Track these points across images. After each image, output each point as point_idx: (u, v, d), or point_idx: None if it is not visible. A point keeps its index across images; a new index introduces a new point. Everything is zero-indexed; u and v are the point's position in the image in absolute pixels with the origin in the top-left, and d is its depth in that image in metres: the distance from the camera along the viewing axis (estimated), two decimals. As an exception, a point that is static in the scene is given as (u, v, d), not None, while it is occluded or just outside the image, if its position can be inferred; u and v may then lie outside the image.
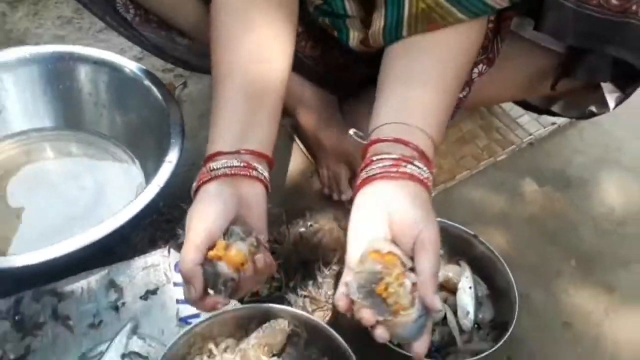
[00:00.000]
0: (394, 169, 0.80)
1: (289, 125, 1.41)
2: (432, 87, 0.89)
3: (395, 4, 0.92)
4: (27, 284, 1.04)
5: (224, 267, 0.79)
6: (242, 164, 0.85)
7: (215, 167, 0.84)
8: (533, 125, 1.50)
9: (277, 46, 0.97)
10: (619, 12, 0.95)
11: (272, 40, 0.97)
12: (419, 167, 0.81)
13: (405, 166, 0.81)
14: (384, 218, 0.79)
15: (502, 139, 1.47)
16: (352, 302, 0.76)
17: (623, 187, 1.41)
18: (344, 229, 1.25)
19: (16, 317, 1.02)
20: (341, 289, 0.78)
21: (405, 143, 0.83)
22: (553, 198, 1.38)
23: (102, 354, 0.99)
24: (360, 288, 0.74)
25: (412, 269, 0.75)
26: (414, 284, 0.73)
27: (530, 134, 1.48)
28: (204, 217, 0.81)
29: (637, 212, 1.37)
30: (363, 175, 0.83)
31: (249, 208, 0.85)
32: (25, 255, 0.99)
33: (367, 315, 0.74)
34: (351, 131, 0.98)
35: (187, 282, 0.80)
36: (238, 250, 0.80)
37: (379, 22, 0.96)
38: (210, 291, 0.81)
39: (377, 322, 0.75)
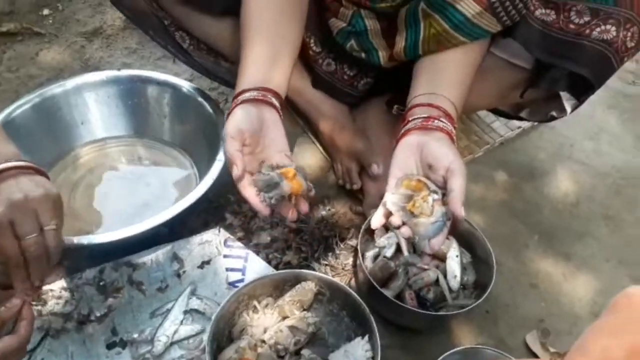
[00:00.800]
0: (425, 123, 0.87)
1: (310, 131, 1.39)
2: (451, 75, 0.97)
3: (412, 30, 0.99)
4: (108, 258, 1.03)
5: (285, 184, 0.81)
6: (261, 95, 0.88)
7: (241, 99, 0.88)
8: (503, 129, 1.48)
9: (293, 23, 1.01)
10: (576, 35, 0.95)
11: (289, 17, 1.00)
12: (445, 123, 0.87)
13: (434, 121, 0.87)
14: (416, 158, 0.86)
15: (479, 140, 1.45)
16: (388, 214, 0.83)
17: (575, 176, 1.39)
18: (356, 213, 1.25)
19: (100, 283, 1.00)
20: (380, 210, 0.85)
21: (434, 106, 0.89)
22: (520, 186, 1.36)
23: (168, 311, 0.98)
24: (394, 205, 0.83)
25: (435, 192, 0.82)
26: (435, 201, 0.81)
27: (501, 136, 1.46)
28: (236, 120, 0.85)
29: (587, 195, 1.35)
30: (401, 131, 0.89)
31: (270, 126, 0.88)
32: (106, 234, 0.98)
33: (397, 219, 0.82)
34: (394, 108, 1.08)
35: (231, 164, 0.83)
36: (301, 182, 0.83)
37: (400, 43, 1.02)
38: (260, 192, 0.82)
39: (404, 224, 0.82)
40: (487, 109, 1.35)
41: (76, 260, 1.03)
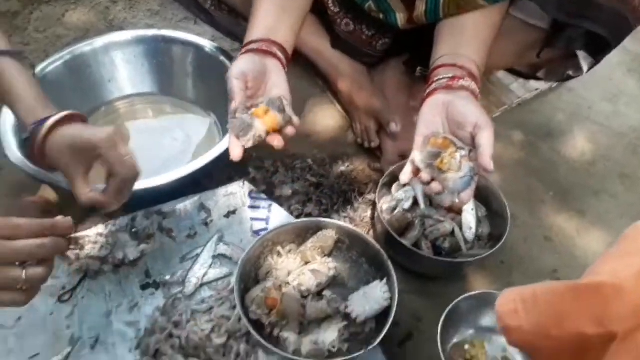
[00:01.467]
0: (450, 83, 0.92)
1: (329, 91, 1.45)
2: (473, 36, 1.01)
3: None
4: (140, 206, 1.09)
5: (258, 124, 0.85)
6: (265, 46, 0.94)
7: (247, 49, 0.93)
8: (521, 90, 1.53)
9: None
10: (593, -6, 0.99)
11: None
12: (469, 82, 0.92)
13: (458, 81, 0.92)
14: (442, 117, 0.91)
15: (497, 101, 1.50)
16: (417, 171, 0.89)
17: (592, 136, 1.44)
18: (373, 169, 1.32)
19: (132, 230, 1.08)
20: (409, 166, 0.91)
21: (458, 66, 0.94)
22: (537, 145, 1.41)
23: (197, 255, 1.05)
24: (422, 162, 0.88)
25: (462, 148, 0.87)
26: (462, 157, 0.86)
27: (519, 97, 1.51)
28: (239, 64, 0.91)
29: (603, 155, 1.40)
30: (427, 91, 0.94)
31: (272, 73, 0.93)
32: (138, 184, 1.05)
33: (426, 175, 0.88)
34: (417, 70, 1.14)
35: (231, 99, 0.89)
36: (274, 117, 0.86)
37: (421, 7, 1.07)
38: (239, 138, 0.87)
39: (433, 180, 0.88)
40: (504, 69, 1.39)
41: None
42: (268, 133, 0.88)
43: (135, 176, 0.85)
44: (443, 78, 0.94)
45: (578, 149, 1.41)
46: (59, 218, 0.69)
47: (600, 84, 1.56)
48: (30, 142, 0.85)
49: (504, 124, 1.45)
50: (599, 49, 1.09)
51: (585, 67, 1.15)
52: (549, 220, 1.26)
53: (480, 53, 1.00)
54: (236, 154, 0.88)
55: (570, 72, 1.20)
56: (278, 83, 0.94)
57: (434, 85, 0.94)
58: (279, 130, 0.90)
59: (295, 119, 0.91)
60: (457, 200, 0.88)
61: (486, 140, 0.86)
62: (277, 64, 0.95)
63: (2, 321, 0.97)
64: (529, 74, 1.34)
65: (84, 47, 1.28)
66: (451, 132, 0.91)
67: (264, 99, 0.90)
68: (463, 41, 1.01)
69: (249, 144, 0.86)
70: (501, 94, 1.53)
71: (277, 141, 0.90)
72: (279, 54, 0.96)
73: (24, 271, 0.63)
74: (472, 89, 0.93)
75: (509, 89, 1.54)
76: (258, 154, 1.28)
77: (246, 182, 1.18)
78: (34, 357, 0.94)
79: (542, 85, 1.53)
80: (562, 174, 1.35)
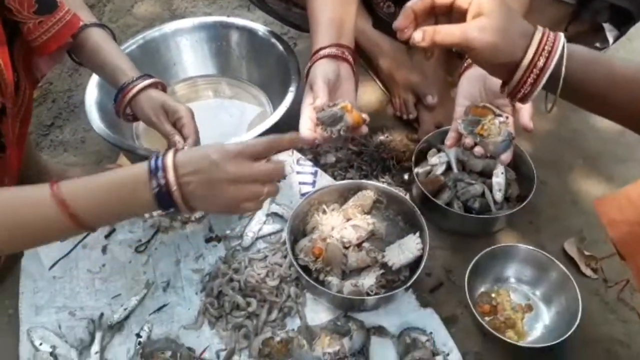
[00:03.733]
0: None
1: (370, 68, 1.52)
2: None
3: None
4: None
5: (348, 117, 0.95)
6: (340, 52, 1.03)
7: (322, 54, 1.02)
8: (555, 64, 1.57)
9: None
10: (616, -32, 1.04)
11: None
12: None
13: None
14: (480, 88, 0.98)
15: (530, 75, 1.55)
16: (460, 136, 0.96)
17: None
18: (411, 140, 1.39)
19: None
20: (452, 134, 0.97)
21: None
22: (567, 115, 1.44)
23: (253, 214, 1.16)
24: (465, 129, 0.95)
25: (500, 115, 0.94)
26: (501, 123, 0.93)
27: (552, 71, 1.55)
28: (323, 71, 0.99)
29: (634, 125, 1.43)
30: (464, 65, 1.02)
31: (344, 80, 1.02)
32: None
33: (470, 140, 0.95)
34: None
35: (316, 95, 0.97)
36: (358, 114, 0.96)
37: None
38: (326, 127, 0.95)
39: (476, 144, 0.95)
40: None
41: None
42: (353, 127, 0.97)
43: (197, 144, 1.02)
44: None
45: (607, 120, 1.43)
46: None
47: (635, 58, 1.58)
48: (120, 97, 1.02)
49: (536, 96, 1.49)
50: (623, 21, 1.13)
51: (611, 39, 1.19)
52: (576, 185, 1.30)
53: None
54: (308, 136, 0.96)
55: (598, 44, 1.24)
56: (349, 89, 1.03)
57: (470, 60, 1.00)
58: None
59: (367, 119, 1.00)
60: (499, 163, 0.96)
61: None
62: (348, 69, 1.04)
63: (90, 267, 1.12)
64: (559, 49, 1.38)
65: (154, 32, 1.42)
66: (488, 101, 0.98)
67: (340, 101, 0.99)
68: None
69: (336, 134, 0.96)
70: (535, 69, 1.56)
71: (364, 129, 0.99)
72: (349, 56, 1.05)
73: (265, 188, 0.79)
74: None
75: (543, 64, 1.57)
76: (306, 126, 1.38)
77: (295, 151, 1.28)
78: (116, 297, 1.08)
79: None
80: (591, 143, 1.39)
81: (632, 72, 0.71)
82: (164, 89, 1.07)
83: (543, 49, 0.70)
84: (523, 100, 0.74)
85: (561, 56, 0.69)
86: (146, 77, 1.04)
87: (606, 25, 1.17)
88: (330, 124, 0.95)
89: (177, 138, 1.00)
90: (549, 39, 0.70)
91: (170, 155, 0.75)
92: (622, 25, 1.15)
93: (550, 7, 1.20)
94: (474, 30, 0.69)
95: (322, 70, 1.00)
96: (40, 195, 0.73)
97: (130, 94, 1.01)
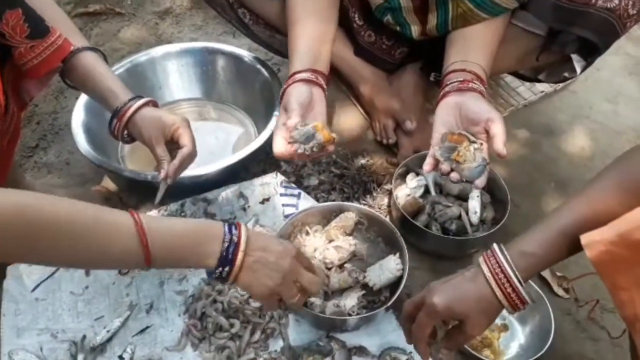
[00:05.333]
0: (461, 86, 1.03)
1: (351, 94, 1.55)
2: (479, 44, 1.13)
3: (442, 9, 1.16)
4: (188, 194, 1.22)
5: (319, 135, 1.02)
6: (313, 77, 1.09)
7: (297, 78, 1.08)
8: (527, 92, 1.61)
9: (333, 7, 1.23)
10: (582, 4, 1.08)
11: (328, 4, 1.22)
12: (477, 84, 1.03)
13: (468, 84, 1.03)
14: (456, 115, 1.01)
15: (505, 102, 1.59)
16: (437, 162, 0.99)
17: (592, 134, 1.51)
18: (390, 164, 1.42)
19: (182, 214, 1.20)
20: (429, 159, 1.00)
21: (467, 71, 1.06)
22: (540, 142, 1.49)
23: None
24: (441, 155, 0.98)
25: (474, 142, 0.97)
26: (476, 149, 0.96)
27: (525, 99, 1.59)
28: (296, 91, 1.07)
29: (602, 151, 1.47)
30: (441, 94, 1.05)
31: (316, 102, 1.08)
32: (186, 174, 1.12)
33: (446, 167, 0.98)
34: (431, 75, 1.30)
35: (289, 115, 1.04)
36: (328, 132, 1.03)
37: (432, 20, 1.19)
38: (300, 145, 1.03)
39: (452, 170, 0.97)
40: (508, 72, 1.48)
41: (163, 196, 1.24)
42: (323, 146, 1.04)
43: (195, 152, 1.06)
44: (454, 82, 1.04)
45: (578, 146, 1.48)
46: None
47: (602, 87, 1.63)
48: (116, 119, 1.03)
49: (511, 123, 1.52)
50: (590, 52, 1.18)
51: (578, 69, 1.23)
52: (548, 208, 1.33)
53: (486, 59, 1.11)
54: (281, 149, 1.05)
55: (566, 74, 1.28)
56: (321, 111, 1.09)
57: (447, 89, 1.05)
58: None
59: (335, 137, 1.07)
60: (475, 187, 0.99)
61: (499, 130, 0.96)
62: (321, 93, 1.11)
63: (73, 289, 1.11)
64: (531, 77, 1.42)
65: (141, 57, 1.43)
66: (464, 128, 1.01)
67: (312, 121, 1.06)
68: (471, 49, 1.12)
69: (309, 151, 1.03)
70: (509, 96, 1.61)
71: (330, 149, 1.07)
72: (322, 81, 1.11)
73: (298, 294, 0.86)
74: (480, 90, 1.03)
75: (516, 92, 1.62)
76: (289, 150, 1.40)
77: (278, 174, 1.29)
78: (99, 318, 1.07)
79: (547, 88, 1.61)
80: (562, 167, 1.43)
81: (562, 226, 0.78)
82: (156, 107, 1.08)
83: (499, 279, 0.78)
84: (523, 304, 0.79)
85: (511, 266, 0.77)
86: (138, 97, 1.04)
87: (574, 56, 1.21)
88: (303, 142, 1.02)
89: (165, 165, 1.01)
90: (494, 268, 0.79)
91: (245, 227, 0.81)
92: (589, 56, 1.19)
93: (522, 38, 1.24)
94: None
95: (296, 93, 1.07)
96: (122, 220, 0.73)
97: (127, 115, 1.02)
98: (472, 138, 0.99)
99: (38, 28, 0.93)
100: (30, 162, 1.43)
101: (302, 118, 1.05)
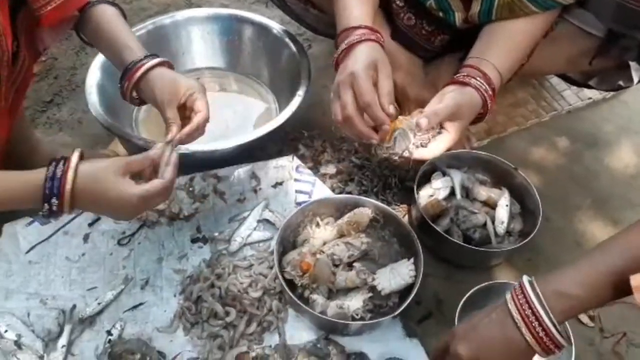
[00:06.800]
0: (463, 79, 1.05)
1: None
2: (503, 44, 1.09)
3: None
4: (198, 168, 1.17)
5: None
6: (374, 36, 1.02)
7: (351, 40, 1.01)
8: (573, 98, 1.51)
9: None
10: (649, 6, 0.98)
11: None
12: (480, 82, 1.03)
13: (470, 79, 1.04)
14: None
15: (547, 106, 1.49)
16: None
17: (638, 150, 1.41)
18: (416, 160, 1.33)
19: (190, 189, 1.16)
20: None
21: (475, 67, 1.06)
22: (581, 153, 1.39)
23: (244, 218, 1.12)
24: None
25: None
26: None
27: (570, 104, 1.49)
28: (367, 55, 0.99)
29: (648, 169, 1.38)
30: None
31: (381, 67, 1.01)
32: (198, 148, 1.12)
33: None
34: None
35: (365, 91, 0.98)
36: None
37: (476, 7, 1.10)
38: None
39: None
40: (556, 74, 1.38)
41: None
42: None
43: (206, 122, 0.98)
44: (460, 74, 1.07)
45: (623, 161, 1.38)
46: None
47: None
48: (127, 76, 0.96)
49: (552, 128, 1.44)
50: (652, 61, 1.08)
51: (636, 78, 1.14)
52: (582, 226, 1.25)
53: (506, 60, 1.09)
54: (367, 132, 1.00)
55: (621, 83, 1.19)
56: (384, 83, 1.01)
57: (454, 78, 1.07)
58: None
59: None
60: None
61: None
62: (383, 54, 1.02)
63: (68, 254, 1.07)
64: (580, 81, 1.33)
65: (165, 19, 1.37)
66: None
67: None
68: (492, 48, 1.09)
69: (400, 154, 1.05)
70: (552, 99, 1.51)
71: None
72: (381, 39, 1.04)
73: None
74: (482, 90, 1.04)
75: (561, 95, 1.52)
76: (309, 133, 1.33)
77: (295, 157, 1.23)
78: (91, 289, 1.03)
79: (595, 95, 1.50)
80: (602, 183, 1.34)
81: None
82: (172, 69, 1.01)
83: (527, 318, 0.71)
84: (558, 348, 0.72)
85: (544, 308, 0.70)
86: (154, 56, 0.97)
87: (633, 64, 1.12)
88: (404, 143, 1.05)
89: (174, 129, 0.94)
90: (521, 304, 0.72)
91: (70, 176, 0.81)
92: (651, 65, 1.09)
93: (576, 38, 1.15)
94: None
95: (368, 55, 0.99)
96: None
97: (139, 72, 0.95)
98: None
99: None
100: (43, 117, 1.39)
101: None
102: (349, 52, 0.99)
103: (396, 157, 1.06)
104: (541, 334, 0.69)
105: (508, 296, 0.74)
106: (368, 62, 0.97)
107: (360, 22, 1.02)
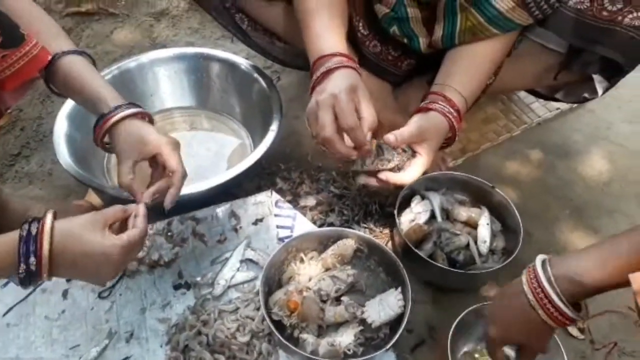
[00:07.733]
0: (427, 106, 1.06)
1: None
2: (466, 69, 1.10)
3: (450, 21, 1.09)
4: (175, 212, 1.15)
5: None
6: (351, 63, 1.01)
7: (329, 66, 0.99)
8: (541, 110, 1.54)
9: (343, 3, 1.14)
10: (608, 21, 1.01)
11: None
12: (442, 106, 1.05)
13: (433, 105, 1.06)
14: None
15: (517, 120, 1.52)
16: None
17: (609, 157, 1.44)
18: (395, 185, 1.34)
19: (168, 234, 1.14)
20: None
21: (439, 94, 1.07)
22: (554, 164, 1.41)
23: (226, 259, 1.11)
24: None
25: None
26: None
27: (539, 116, 1.52)
28: (338, 82, 0.97)
29: (620, 175, 1.40)
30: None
31: (360, 95, 1.00)
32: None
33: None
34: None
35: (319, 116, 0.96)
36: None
37: (439, 32, 1.11)
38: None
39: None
40: (523, 90, 1.41)
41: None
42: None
43: (184, 178, 0.95)
44: (426, 102, 1.08)
45: (595, 169, 1.41)
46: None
47: (621, 106, 1.56)
48: (98, 126, 0.93)
49: (524, 142, 1.47)
50: (613, 73, 1.11)
51: (600, 90, 1.16)
52: (563, 237, 1.26)
53: (470, 84, 1.10)
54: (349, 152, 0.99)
55: (587, 95, 1.21)
56: (369, 99, 1.01)
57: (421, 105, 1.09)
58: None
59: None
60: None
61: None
62: (360, 81, 1.01)
63: (47, 313, 1.04)
64: (548, 95, 1.36)
65: (130, 62, 1.36)
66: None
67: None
68: (456, 73, 1.11)
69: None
70: (522, 112, 1.54)
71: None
72: (356, 66, 1.02)
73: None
74: (445, 112, 1.05)
75: (529, 108, 1.55)
76: (286, 165, 1.33)
77: (273, 192, 1.23)
78: (74, 347, 1.00)
79: (562, 105, 1.53)
80: (578, 192, 1.36)
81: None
82: (151, 121, 0.98)
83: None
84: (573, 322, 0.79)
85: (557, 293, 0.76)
86: (130, 105, 0.94)
87: (596, 77, 1.15)
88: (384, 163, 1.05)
89: (134, 186, 0.92)
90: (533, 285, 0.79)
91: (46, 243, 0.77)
92: (612, 76, 1.12)
93: (540, 55, 1.18)
94: None
95: (347, 81, 0.98)
96: None
97: (108, 123, 0.91)
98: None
99: (11, 36, 0.86)
100: (11, 171, 1.36)
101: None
102: (327, 76, 0.98)
103: (380, 167, 1.05)
104: (555, 313, 0.76)
105: (523, 278, 0.81)
106: (348, 86, 0.97)
107: (335, 50, 1.02)
